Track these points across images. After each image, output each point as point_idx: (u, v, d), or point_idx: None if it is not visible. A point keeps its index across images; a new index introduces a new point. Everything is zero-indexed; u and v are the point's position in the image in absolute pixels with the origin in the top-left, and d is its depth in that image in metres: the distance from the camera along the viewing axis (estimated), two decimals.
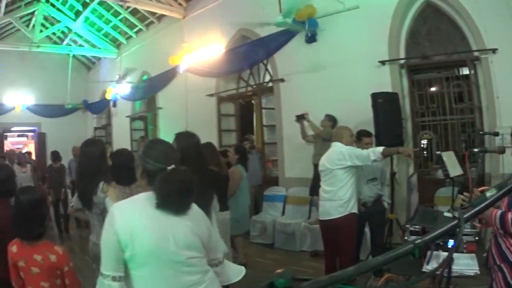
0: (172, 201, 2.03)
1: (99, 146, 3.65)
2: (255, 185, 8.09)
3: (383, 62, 6.30)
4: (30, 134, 18.05)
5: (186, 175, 2.11)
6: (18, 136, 18.12)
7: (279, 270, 1.16)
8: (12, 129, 17.02)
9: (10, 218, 2.95)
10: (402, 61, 6.38)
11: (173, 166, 2.09)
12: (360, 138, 5.12)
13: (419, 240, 1.16)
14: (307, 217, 7.31)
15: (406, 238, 4.52)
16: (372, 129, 5.69)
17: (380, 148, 4.41)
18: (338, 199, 4.59)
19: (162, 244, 2.02)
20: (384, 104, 5.71)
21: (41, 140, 16.76)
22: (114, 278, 2.02)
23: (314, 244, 6.70)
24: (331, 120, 6.62)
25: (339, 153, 4.58)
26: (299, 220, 7.21)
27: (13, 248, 2.88)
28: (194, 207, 2.16)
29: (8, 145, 16.15)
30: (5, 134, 16.60)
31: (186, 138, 3.31)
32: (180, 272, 2.08)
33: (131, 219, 2.03)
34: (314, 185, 6.26)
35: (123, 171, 3.71)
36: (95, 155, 3.50)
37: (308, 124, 6.79)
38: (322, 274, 4.82)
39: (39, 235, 2.87)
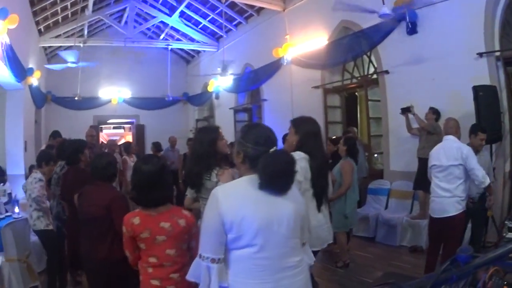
0: (276, 182, 2.25)
1: (212, 132, 3.99)
2: (360, 177, 8.44)
3: (480, 54, 6.83)
4: (127, 126, 20.53)
5: (288, 156, 2.34)
6: (114, 128, 20.74)
7: (459, 247, 1.49)
8: (109, 121, 19.51)
9: (132, 188, 3.21)
10: (497, 53, 6.85)
11: (274, 148, 2.32)
12: (476, 133, 5.64)
13: None
14: (409, 211, 8.00)
15: (504, 234, 5.29)
16: (473, 122, 6.26)
17: (489, 180, 5.07)
18: (456, 196, 5.07)
19: (267, 225, 2.22)
20: (484, 97, 6.33)
21: (139, 132, 19.06)
22: (213, 260, 2.23)
23: (414, 239, 7.40)
24: (435, 113, 7.25)
25: (458, 149, 5.09)
26: (401, 214, 7.84)
27: (135, 220, 3.07)
28: (293, 187, 2.37)
29: (103, 137, 18.55)
30: (100, 126, 18.99)
31: (305, 124, 3.87)
32: (282, 253, 2.28)
33: (236, 201, 2.24)
34: (419, 179, 7.15)
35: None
36: (208, 141, 3.84)
37: (414, 117, 7.47)
38: (420, 270, 5.56)
39: (165, 202, 3.13)
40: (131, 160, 10.22)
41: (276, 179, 2.24)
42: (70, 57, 12.79)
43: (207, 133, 3.98)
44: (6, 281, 5.61)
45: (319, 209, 3.84)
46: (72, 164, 5.75)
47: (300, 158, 3.53)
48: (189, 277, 2.38)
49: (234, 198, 2.26)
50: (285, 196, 2.30)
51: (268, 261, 2.22)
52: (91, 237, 3.99)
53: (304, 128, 3.81)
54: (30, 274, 5.98)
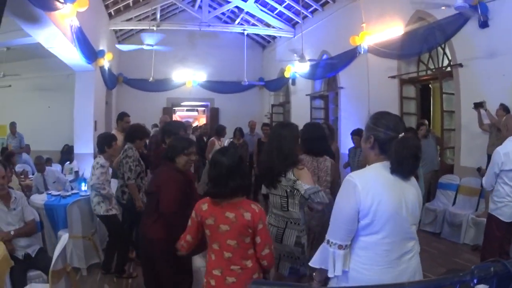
0: (407, 165, 2.46)
1: (295, 130, 4.23)
2: (431, 170, 9.22)
3: None
4: (201, 109, 22.22)
5: (416, 141, 2.57)
6: (187, 110, 22.44)
7: None
8: (183, 103, 21.12)
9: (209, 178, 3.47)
10: None
11: (402, 133, 2.53)
12: None
13: None
14: (475, 209, 8.30)
15: None
16: None
17: None
18: None
19: (398, 210, 2.42)
20: None
21: (213, 115, 20.53)
22: (340, 247, 2.43)
23: (477, 238, 7.65)
24: (505, 110, 7.44)
25: None
26: (468, 211, 8.19)
27: (204, 206, 3.38)
28: None
29: (176, 119, 19.64)
30: (173, 108, 20.76)
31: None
32: (404, 238, 2.47)
33: (374, 187, 2.43)
34: None
35: (313, 143, 4.75)
36: (293, 138, 4.09)
37: (485, 113, 7.82)
38: None
39: (234, 193, 3.32)
40: (219, 143, 10.98)
41: (406, 164, 2.46)
42: (150, 39, 14.07)
43: (291, 131, 4.19)
44: (69, 257, 6.05)
45: None
46: None
47: None
48: (314, 263, 2.66)
49: (372, 184, 2.47)
50: (408, 181, 2.57)
51: (391, 246, 2.44)
52: (145, 213, 4.60)
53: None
54: (94, 251, 6.73)
